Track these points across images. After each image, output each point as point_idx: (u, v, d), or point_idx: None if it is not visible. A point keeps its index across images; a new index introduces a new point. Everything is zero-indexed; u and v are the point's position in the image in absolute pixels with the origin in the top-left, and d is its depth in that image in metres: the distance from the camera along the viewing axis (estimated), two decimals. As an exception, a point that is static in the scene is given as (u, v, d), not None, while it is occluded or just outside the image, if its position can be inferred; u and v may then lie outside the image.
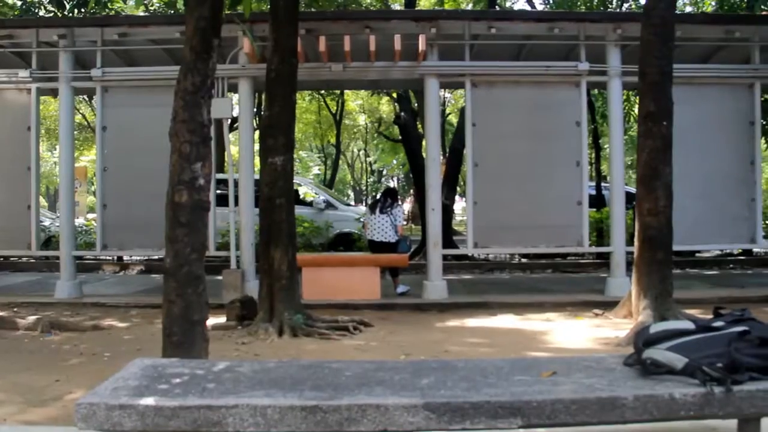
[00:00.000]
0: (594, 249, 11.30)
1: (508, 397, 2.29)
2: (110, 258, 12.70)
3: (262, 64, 7.68)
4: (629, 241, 8.01)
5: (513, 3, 18.64)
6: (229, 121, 10.11)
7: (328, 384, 2.47)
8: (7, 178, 8.97)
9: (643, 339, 2.62)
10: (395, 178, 35.37)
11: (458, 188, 18.31)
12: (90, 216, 16.64)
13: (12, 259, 12.93)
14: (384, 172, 35.54)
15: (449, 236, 12.79)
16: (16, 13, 13.33)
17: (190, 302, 4.10)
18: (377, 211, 8.96)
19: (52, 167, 29.51)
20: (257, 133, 9.95)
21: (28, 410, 4.04)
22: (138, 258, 12.84)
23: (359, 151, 32.92)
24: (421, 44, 8.35)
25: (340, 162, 29.31)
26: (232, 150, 10.37)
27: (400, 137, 16.43)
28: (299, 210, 9.49)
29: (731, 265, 12.44)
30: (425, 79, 8.80)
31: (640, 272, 6.48)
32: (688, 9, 16.04)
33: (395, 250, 8.85)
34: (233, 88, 9.25)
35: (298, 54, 7.16)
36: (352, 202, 26.82)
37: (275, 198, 6.75)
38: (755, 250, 12.57)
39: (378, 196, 11.02)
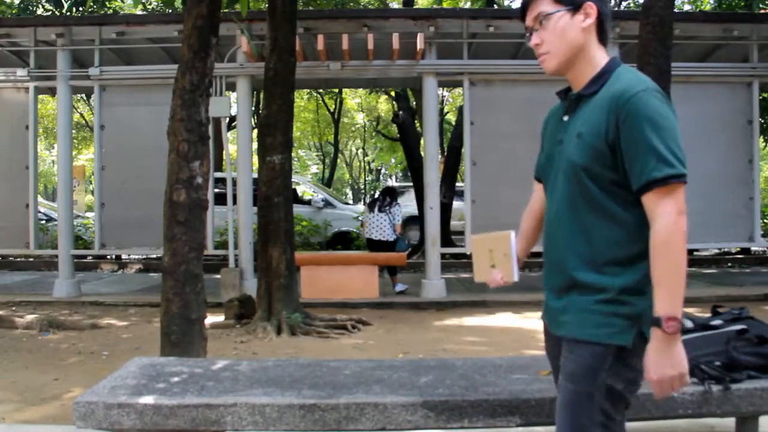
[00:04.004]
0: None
1: (507, 396, 2.29)
2: (109, 257, 12.69)
3: (260, 63, 7.67)
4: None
5: (511, 1, 18.63)
6: (227, 119, 10.11)
7: (327, 383, 2.47)
8: (6, 176, 8.96)
9: (641, 337, 2.62)
10: (393, 177, 35.37)
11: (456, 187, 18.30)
12: (88, 215, 16.62)
13: (9, 258, 12.91)
14: (382, 171, 35.55)
15: (447, 235, 12.79)
16: (13, 11, 13.31)
17: (189, 301, 4.10)
18: (376, 209, 8.96)
19: (50, 166, 29.50)
20: (255, 131, 9.95)
21: (26, 409, 4.04)
22: (136, 257, 12.83)
23: (357, 149, 32.90)
24: (419, 43, 8.35)
25: (339, 161, 29.30)
26: (231, 149, 10.36)
27: (398, 136, 16.41)
28: (297, 209, 9.49)
29: (729, 264, 12.45)
30: (423, 77, 8.80)
31: (639, 271, 6.49)
32: (687, 7, 16.05)
33: (393, 249, 8.85)
34: (231, 87, 9.24)
35: (296, 53, 7.15)
36: (351, 201, 26.83)
37: (273, 197, 6.75)
38: (753, 248, 12.59)
39: (376, 195, 11.02)
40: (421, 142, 11.28)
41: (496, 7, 14.78)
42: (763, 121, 11.97)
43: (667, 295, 1.55)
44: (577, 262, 1.69)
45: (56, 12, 12.60)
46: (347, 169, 35.33)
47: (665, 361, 1.57)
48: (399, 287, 8.82)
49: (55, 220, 10.43)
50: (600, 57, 1.75)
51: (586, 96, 1.73)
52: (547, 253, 1.82)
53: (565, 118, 1.79)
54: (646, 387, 2.33)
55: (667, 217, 1.56)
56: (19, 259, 12.90)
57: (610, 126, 1.62)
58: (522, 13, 1.84)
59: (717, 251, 13.22)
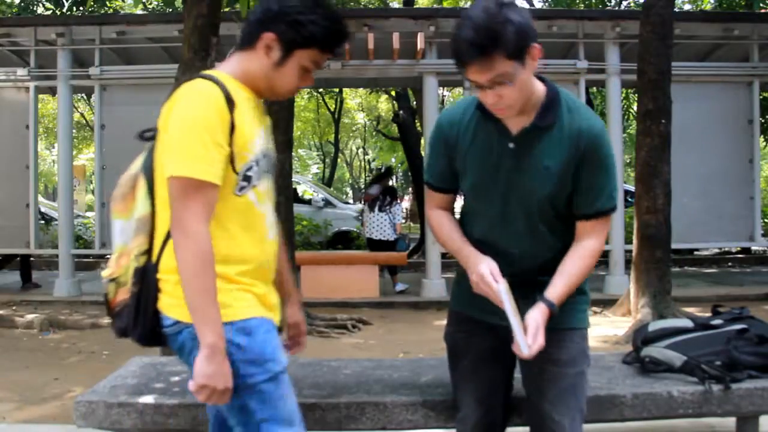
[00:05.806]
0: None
1: (507, 395, 2.29)
2: (109, 256, 12.68)
3: (260, 63, 7.66)
4: (628, 239, 8.01)
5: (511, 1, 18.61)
6: (228, 119, 10.09)
7: (327, 382, 2.47)
8: (6, 176, 8.96)
9: (641, 337, 2.63)
10: (394, 177, 35.36)
11: (457, 186, 18.26)
12: (88, 214, 16.63)
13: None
14: (383, 170, 35.51)
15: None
16: (14, 11, 13.30)
17: (189, 300, 4.09)
18: (376, 209, 8.96)
19: (50, 165, 29.49)
20: (256, 131, 9.94)
21: (26, 408, 4.05)
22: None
23: (358, 149, 32.91)
24: (420, 42, 8.34)
25: (339, 160, 29.29)
26: (231, 148, 10.33)
27: (398, 135, 16.42)
28: (298, 208, 9.50)
29: (730, 263, 12.45)
30: (424, 77, 8.79)
31: (639, 270, 6.48)
32: (687, 7, 16.04)
33: (394, 248, 8.85)
34: (232, 87, 9.22)
35: (297, 52, 7.14)
36: (351, 201, 26.83)
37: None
38: (754, 248, 12.59)
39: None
40: (422, 141, 11.28)
41: (496, 6, 14.72)
42: (763, 121, 11.96)
43: (569, 293, 1.84)
44: (547, 271, 1.88)
45: (56, 11, 12.59)
46: (348, 169, 35.34)
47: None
48: (399, 287, 8.82)
49: (55, 220, 10.45)
50: (537, 85, 1.79)
51: (542, 127, 1.79)
52: (502, 266, 1.85)
53: (511, 146, 1.82)
54: (647, 387, 2.34)
55: (601, 240, 1.88)
56: (19, 259, 12.87)
57: (577, 160, 1.79)
58: (461, 64, 1.68)
59: (717, 251, 13.22)
